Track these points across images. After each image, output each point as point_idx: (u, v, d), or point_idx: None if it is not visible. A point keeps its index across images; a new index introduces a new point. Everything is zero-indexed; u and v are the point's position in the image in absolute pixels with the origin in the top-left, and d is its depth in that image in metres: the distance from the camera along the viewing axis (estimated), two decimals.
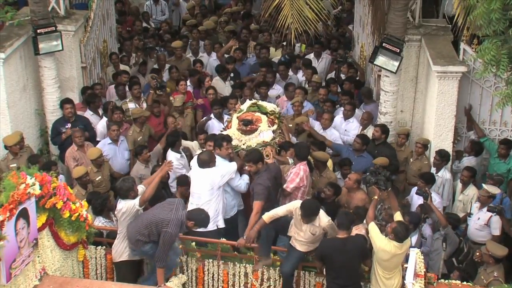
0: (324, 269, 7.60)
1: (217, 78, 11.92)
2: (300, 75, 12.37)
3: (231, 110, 10.09)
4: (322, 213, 7.52)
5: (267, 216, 7.62)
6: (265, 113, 9.24)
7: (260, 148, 8.75)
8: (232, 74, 11.99)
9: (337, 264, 7.31)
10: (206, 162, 8.43)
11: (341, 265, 7.30)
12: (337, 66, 12.35)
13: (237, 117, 9.23)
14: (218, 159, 8.60)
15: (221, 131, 9.49)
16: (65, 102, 10.34)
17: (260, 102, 9.57)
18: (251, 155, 8.47)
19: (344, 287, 7.38)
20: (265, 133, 8.97)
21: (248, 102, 9.59)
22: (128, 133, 10.27)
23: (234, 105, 10.28)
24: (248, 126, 8.99)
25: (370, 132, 10.19)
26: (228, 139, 8.73)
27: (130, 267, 8.00)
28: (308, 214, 7.37)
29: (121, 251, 7.87)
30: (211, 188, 8.35)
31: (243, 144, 8.92)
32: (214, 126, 10.32)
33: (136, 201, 7.65)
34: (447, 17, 11.03)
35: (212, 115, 10.51)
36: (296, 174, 8.65)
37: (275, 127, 9.14)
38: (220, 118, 10.42)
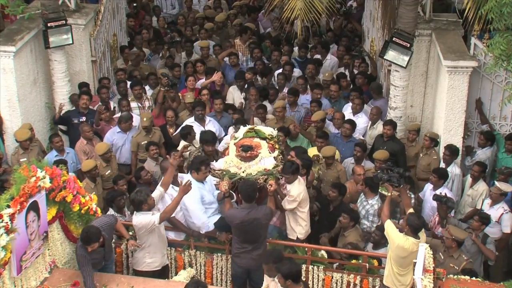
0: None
1: (234, 87, 11.49)
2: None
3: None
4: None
5: None
6: (264, 138, 8.47)
7: (262, 177, 7.92)
8: (246, 86, 11.50)
9: None
10: None
11: None
12: (351, 61, 12.28)
13: (235, 144, 8.41)
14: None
15: (214, 159, 8.83)
16: (82, 93, 10.41)
17: (258, 127, 8.87)
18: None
19: None
20: (266, 159, 8.15)
21: (244, 128, 8.78)
22: (133, 135, 10.14)
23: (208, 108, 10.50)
24: (248, 152, 8.15)
25: (379, 127, 10.16)
26: (207, 162, 8.19)
27: (149, 276, 7.78)
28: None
29: (138, 261, 7.78)
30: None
31: (243, 172, 8.02)
32: (196, 129, 9.98)
33: (156, 218, 7.46)
34: (458, 11, 10.96)
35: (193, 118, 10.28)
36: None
37: (276, 153, 8.32)
38: (201, 120, 10.18)
